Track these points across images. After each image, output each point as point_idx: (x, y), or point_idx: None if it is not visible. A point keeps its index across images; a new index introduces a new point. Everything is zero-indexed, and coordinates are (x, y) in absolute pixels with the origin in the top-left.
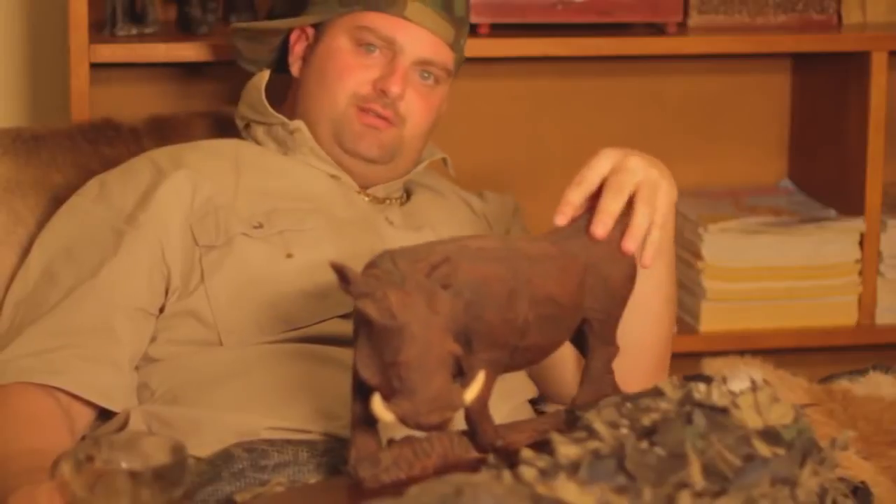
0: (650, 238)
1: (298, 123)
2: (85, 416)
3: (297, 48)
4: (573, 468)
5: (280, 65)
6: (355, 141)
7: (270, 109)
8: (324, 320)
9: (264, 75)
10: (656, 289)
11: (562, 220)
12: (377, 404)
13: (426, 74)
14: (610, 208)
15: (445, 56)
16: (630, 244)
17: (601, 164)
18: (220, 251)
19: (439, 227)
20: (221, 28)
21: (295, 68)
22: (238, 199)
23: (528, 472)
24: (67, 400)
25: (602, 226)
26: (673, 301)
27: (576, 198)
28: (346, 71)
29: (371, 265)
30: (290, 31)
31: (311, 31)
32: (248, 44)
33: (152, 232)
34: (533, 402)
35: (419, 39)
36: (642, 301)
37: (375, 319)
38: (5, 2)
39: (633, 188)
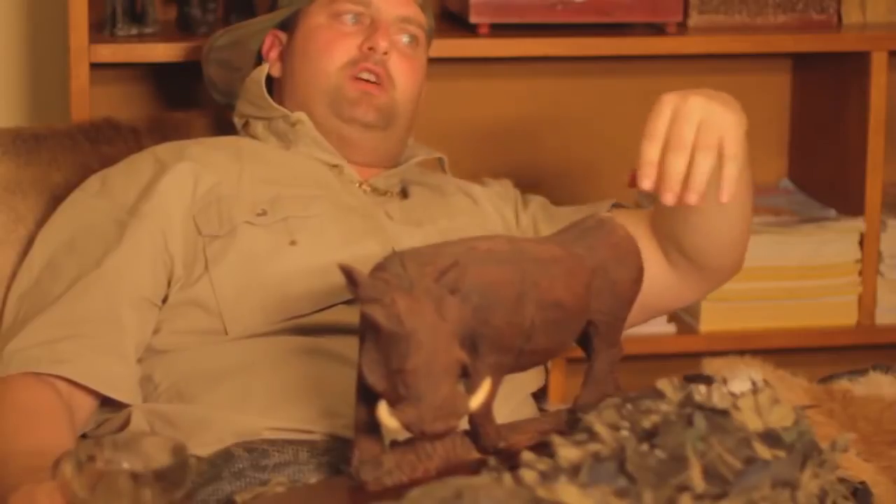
0: (725, 173)
1: (300, 115)
2: (86, 407)
3: (272, 54)
4: (574, 471)
5: None
6: (352, 107)
7: (272, 102)
8: (328, 307)
9: (263, 69)
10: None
11: (648, 183)
12: (383, 411)
13: (406, 36)
14: (674, 170)
15: (419, 14)
16: (692, 198)
17: (662, 112)
18: (224, 240)
19: (439, 222)
20: (221, 28)
21: (275, 69)
22: (241, 189)
23: (528, 475)
24: (69, 390)
25: (671, 193)
26: (747, 205)
27: (654, 154)
28: (331, 43)
29: (379, 268)
30: (260, 48)
31: (282, 35)
32: (220, 71)
33: (155, 222)
34: (535, 398)
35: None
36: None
37: (383, 325)
38: (5, 2)
39: (694, 134)
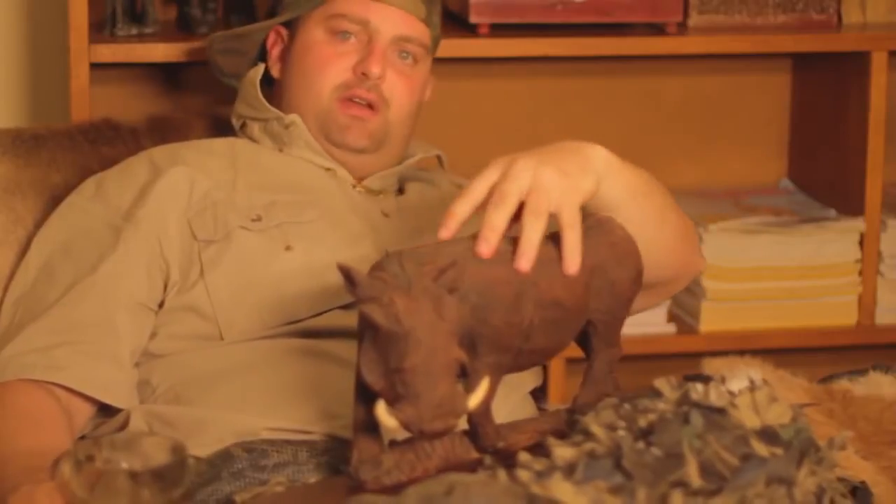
0: (565, 243)
1: (294, 117)
2: (84, 412)
3: (275, 51)
4: (569, 469)
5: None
6: (342, 133)
7: (266, 103)
8: (324, 312)
9: (259, 69)
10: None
11: (445, 233)
12: (381, 410)
13: (405, 54)
14: (492, 221)
15: (421, 32)
16: (522, 263)
17: (489, 174)
18: (219, 245)
19: (434, 218)
20: (221, 28)
21: (275, 70)
22: (236, 194)
23: (523, 474)
24: (67, 396)
25: (484, 242)
26: (666, 222)
27: (461, 210)
28: (325, 62)
29: (377, 267)
30: (266, 38)
31: (285, 33)
32: (226, 58)
33: (150, 227)
34: (535, 397)
35: (392, 18)
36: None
37: (381, 325)
38: (5, 2)
39: (520, 196)
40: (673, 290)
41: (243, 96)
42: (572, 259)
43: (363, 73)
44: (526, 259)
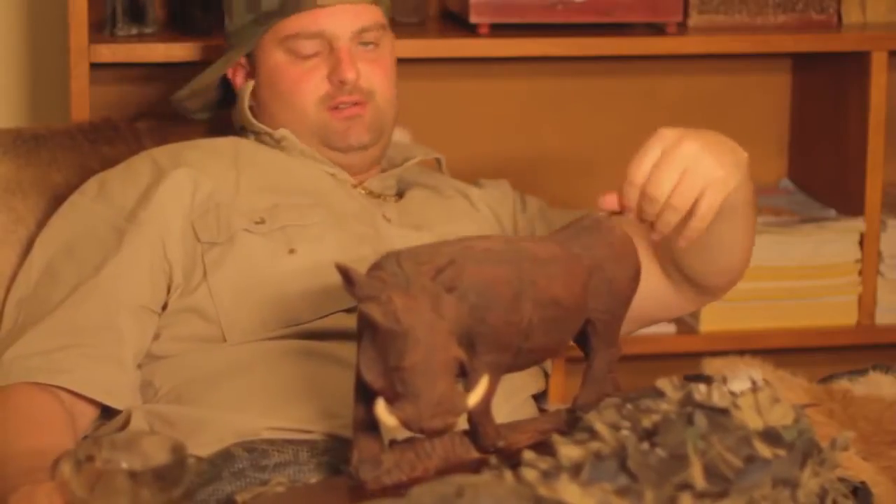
0: (690, 225)
1: (283, 132)
2: (88, 415)
3: (238, 80)
4: (575, 469)
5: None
6: (344, 137)
7: (254, 121)
8: (327, 315)
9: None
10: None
11: (609, 203)
12: (381, 409)
13: (366, 44)
14: (644, 216)
15: (374, 14)
16: (654, 236)
17: (651, 151)
18: (223, 248)
19: (437, 225)
20: (221, 28)
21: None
22: (239, 196)
23: (529, 474)
24: (70, 399)
25: (664, 224)
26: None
27: (633, 200)
28: (297, 81)
29: (376, 267)
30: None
31: (243, 61)
32: (196, 101)
33: (153, 229)
34: (535, 399)
35: (344, 17)
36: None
37: (380, 323)
38: (5, 2)
39: (674, 184)
40: (723, 293)
41: (236, 111)
42: (687, 239)
43: (340, 82)
44: (657, 235)
